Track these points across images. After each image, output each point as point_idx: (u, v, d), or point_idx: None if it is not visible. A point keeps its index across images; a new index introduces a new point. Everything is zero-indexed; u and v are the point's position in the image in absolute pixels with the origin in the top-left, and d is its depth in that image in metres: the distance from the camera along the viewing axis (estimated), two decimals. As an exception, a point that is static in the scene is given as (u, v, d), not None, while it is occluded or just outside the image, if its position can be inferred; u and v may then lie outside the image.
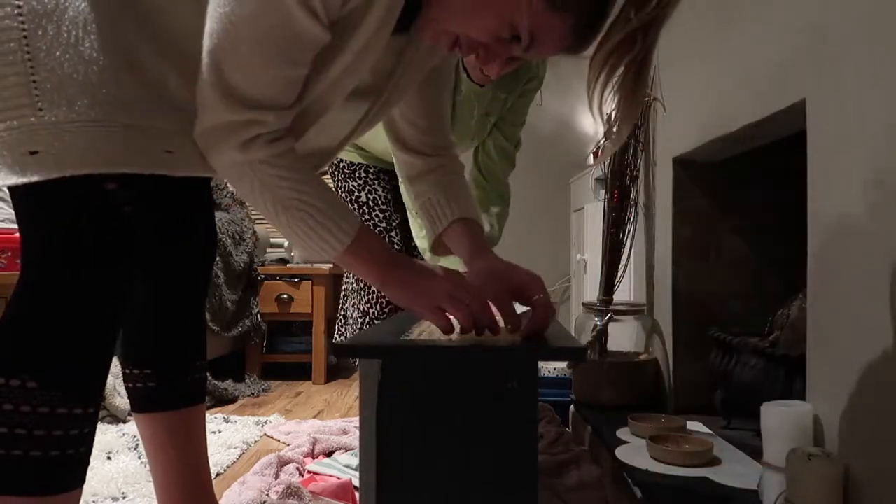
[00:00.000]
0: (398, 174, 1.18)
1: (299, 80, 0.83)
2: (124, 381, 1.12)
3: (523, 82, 1.83)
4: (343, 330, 2.01)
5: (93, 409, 0.85)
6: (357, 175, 1.86)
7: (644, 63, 0.81)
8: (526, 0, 0.77)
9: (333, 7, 0.78)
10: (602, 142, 0.84)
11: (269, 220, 0.86)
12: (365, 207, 1.85)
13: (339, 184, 1.90)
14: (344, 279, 2.10)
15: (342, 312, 2.03)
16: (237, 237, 2.96)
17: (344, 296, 2.04)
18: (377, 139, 1.74)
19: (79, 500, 0.86)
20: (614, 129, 0.86)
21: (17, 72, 0.76)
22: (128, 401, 1.14)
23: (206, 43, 0.78)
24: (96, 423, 0.87)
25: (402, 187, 1.59)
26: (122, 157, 0.79)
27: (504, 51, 0.84)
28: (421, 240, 1.75)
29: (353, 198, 1.87)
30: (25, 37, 0.76)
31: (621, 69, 0.80)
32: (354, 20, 0.81)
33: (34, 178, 0.76)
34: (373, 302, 1.84)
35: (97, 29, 0.79)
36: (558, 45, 0.82)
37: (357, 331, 1.88)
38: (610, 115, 0.85)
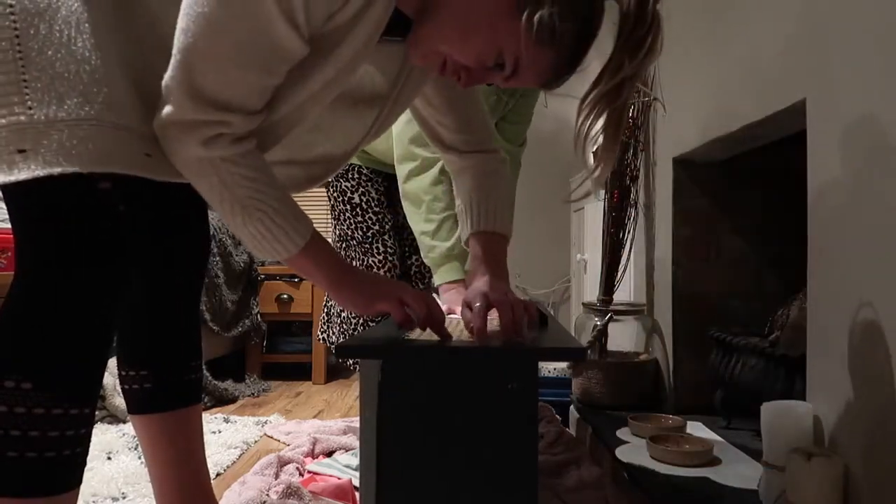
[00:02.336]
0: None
1: (270, 89, 0.84)
2: (120, 382, 1.11)
3: None
4: (326, 328, 1.99)
5: (88, 410, 0.85)
6: (350, 176, 1.83)
7: (624, 109, 0.86)
8: (516, 31, 0.80)
9: (316, 22, 0.79)
10: (589, 175, 0.89)
11: (223, 218, 0.87)
12: (358, 209, 1.82)
13: (332, 183, 1.86)
14: None
15: (325, 310, 2.01)
16: (237, 237, 2.96)
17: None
18: (380, 139, 1.72)
19: (76, 500, 0.86)
20: (598, 168, 0.90)
21: (8, 70, 0.76)
22: (126, 401, 1.14)
23: (180, 40, 0.78)
24: (93, 423, 0.87)
25: None
26: (109, 157, 0.79)
27: (486, 76, 0.87)
28: (427, 259, 1.69)
29: (346, 198, 1.83)
30: (17, 36, 0.76)
31: (605, 114, 0.85)
32: (338, 36, 0.82)
33: (21, 177, 0.76)
34: None
35: (90, 28, 0.79)
36: (538, 78, 0.86)
37: (349, 331, 1.86)
38: (594, 154, 0.89)
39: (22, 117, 0.76)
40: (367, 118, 1.02)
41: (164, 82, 0.80)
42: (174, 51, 0.78)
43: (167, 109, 0.80)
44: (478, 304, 0.94)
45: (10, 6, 0.76)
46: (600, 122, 0.85)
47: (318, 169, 1.06)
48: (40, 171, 0.76)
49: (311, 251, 0.89)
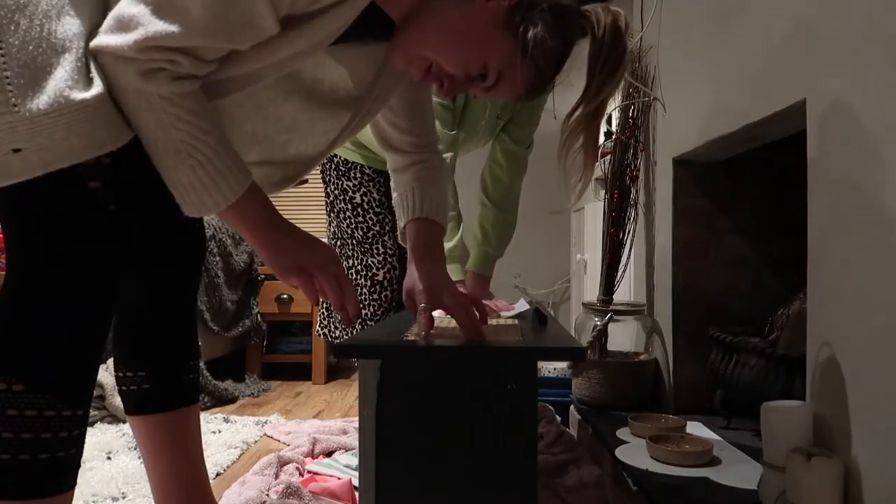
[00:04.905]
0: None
1: (226, 51, 0.82)
2: (117, 383, 1.11)
3: None
4: (326, 322, 1.98)
5: (82, 411, 0.84)
6: (352, 175, 1.83)
7: (599, 127, 0.93)
8: (507, 45, 0.84)
9: (300, 4, 0.79)
10: (576, 185, 0.98)
11: (153, 159, 0.82)
12: (359, 209, 1.83)
13: (332, 181, 1.86)
14: None
15: (324, 304, 2.01)
16: (237, 237, 2.96)
17: None
18: None
19: (70, 502, 0.86)
20: (580, 181, 0.96)
21: None
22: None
23: None
24: (86, 424, 0.86)
25: None
26: (102, 138, 0.79)
27: (467, 86, 0.90)
28: None
29: (348, 198, 1.84)
30: None
31: (585, 133, 0.92)
32: (319, 15, 0.82)
33: (23, 178, 0.76)
34: (366, 303, 1.82)
35: (69, 21, 0.79)
36: (516, 90, 0.90)
37: (350, 330, 1.86)
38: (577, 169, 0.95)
39: (8, 117, 0.75)
40: (342, 119, 1.03)
41: (123, 10, 0.77)
42: None
43: (115, 42, 0.77)
44: (422, 305, 0.96)
45: None
46: (581, 140, 0.92)
47: (294, 168, 1.06)
48: (39, 171, 0.76)
49: (243, 205, 0.85)
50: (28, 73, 0.75)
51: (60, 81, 0.76)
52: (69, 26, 0.79)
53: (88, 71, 0.79)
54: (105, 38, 0.78)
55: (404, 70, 0.92)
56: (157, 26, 0.75)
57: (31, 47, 0.76)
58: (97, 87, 0.78)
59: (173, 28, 0.76)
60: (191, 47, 0.78)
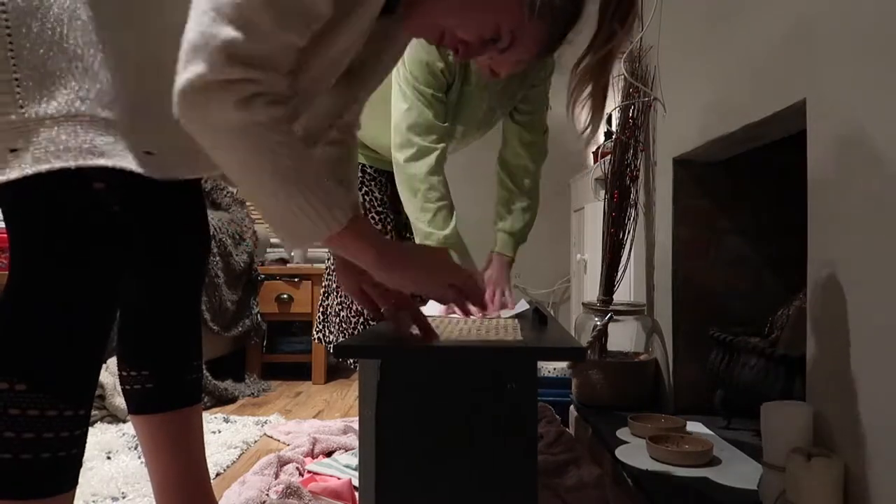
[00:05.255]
0: None
1: (296, 50, 0.79)
2: (121, 382, 1.11)
3: (536, 73, 1.80)
4: (322, 327, 1.98)
5: (84, 411, 0.84)
6: None
7: (610, 75, 0.91)
8: (515, 5, 0.84)
9: None
10: (585, 133, 0.97)
11: (252, 193, 0.78)
12: (360, 209, 1.83)
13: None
14: (325, 277, 2.07)
15: (321, 309, 2.01)
16: (237, 237, 2.96)
17: (325, 294, 2.01)
18: (384, 135, 1.71)
19: (71, 502, 0.86)
20: (588, 129, 0.96)
21: (0, 70, 0.75)
22: (126, 401, 1.13)
23: None
24: (88, 424, 0.87)
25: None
26: (101, 151, 0.78)
27: (482, 50, 0.90)
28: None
29: None
30: (9, 34, 0.75)
31: (594, 81, 0.90)
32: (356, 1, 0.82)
33: (13, 176, 0.75)
34: None
35: (82, 25, 0.79)
36: (532, 50, 0.90)
37: (348, 330, 1.86)
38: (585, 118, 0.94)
39: (13, 116, 0.75)
40: (347, 95, 1.02)
41: (189, 40, 0.73)
42: (203, 8, 0.72)
43: (192, 69, 0.72)
44: (400, 314, 0.97)
45: (3, 4, 0.76)
46: (589, 89, 0.90)
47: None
48: (30, 170, 0.76)
49: (356, 227, 0.82)
50: (37, 75, 0.76)
51: (70, 89, 0.77)
52: (81, 32, 0.79)
53: (100, 83, 0.79)
54: (184, 75, 0.73)
55: (418, 37, 0.92)
56: (225, 32, 0.72)
57: (41, 51, 0.76)
58: (112, 111, 0.79)
59: (236, 32, 0.72)
60: (261, 54, 0.74)
